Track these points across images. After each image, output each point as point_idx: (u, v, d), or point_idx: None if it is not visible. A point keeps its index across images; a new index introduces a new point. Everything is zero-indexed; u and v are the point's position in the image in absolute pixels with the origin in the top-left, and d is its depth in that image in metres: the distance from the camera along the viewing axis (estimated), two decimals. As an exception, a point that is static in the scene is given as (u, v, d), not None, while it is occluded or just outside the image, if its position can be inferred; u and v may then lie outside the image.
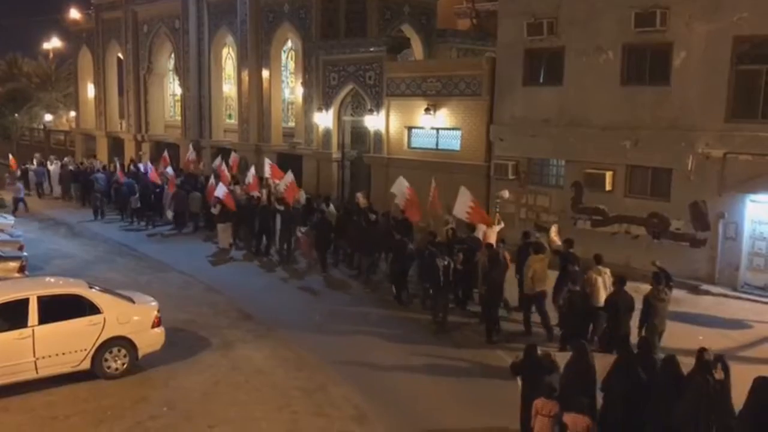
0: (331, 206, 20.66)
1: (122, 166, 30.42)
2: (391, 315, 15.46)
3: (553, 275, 14.36)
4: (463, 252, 15.03)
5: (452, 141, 22.43)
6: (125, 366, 11.72)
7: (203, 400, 11.05)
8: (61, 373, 11.26)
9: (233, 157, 27.93)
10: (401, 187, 18.39)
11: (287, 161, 28.77)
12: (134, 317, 11.92)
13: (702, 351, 8.63)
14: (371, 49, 24.59)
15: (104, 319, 11.53)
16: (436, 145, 22.90)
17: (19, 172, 33.74)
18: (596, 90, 18.45)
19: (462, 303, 15.38)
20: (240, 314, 15.37)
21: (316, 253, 19.07)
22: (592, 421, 8.49)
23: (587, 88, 18.63)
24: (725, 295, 16.10)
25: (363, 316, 15.44)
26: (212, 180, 23.20)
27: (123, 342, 11.67)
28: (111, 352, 11.60)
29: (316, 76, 26.65)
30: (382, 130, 24.20)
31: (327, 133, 26.64)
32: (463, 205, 16.53)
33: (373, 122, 24.30)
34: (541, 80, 19.96)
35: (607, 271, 13.26)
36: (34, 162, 35.17)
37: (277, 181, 22.58)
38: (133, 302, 12.28)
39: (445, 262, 14.32)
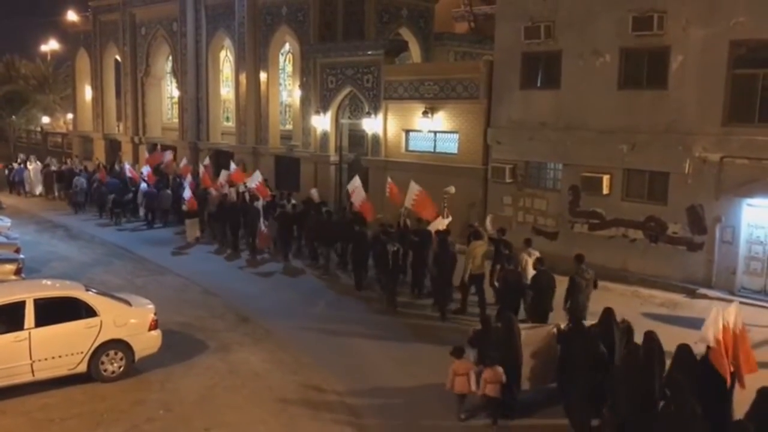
0: (293, 202, 22.35)
1: (104, 166, 32.01)
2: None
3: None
4: (413, 246, 16.64)
5: (450, 144, 22.45)
6: (122, 369, 11.70)
7: (200, 402, 11.03)
8: (57, 376, 11.24)
9: (206, 162, 29.05)
10: (355, 184, 20.55)
11: (285, 164, 28.91)
12: (131, 320, 11.89)
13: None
14: (369, 52, 24.61)
15: (101, 321, 11.50)
16: (434, 148, 22.93)
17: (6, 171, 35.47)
18: (593, 93, 18.48)
19: (417, 289, 16.80)
20: (237, 317, 15.36)
21: (279, 244, 20.66)
22: (505, 373, 10.03)
23: (584, 92, 18.66)
24: (722, 299, 16.05)
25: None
26: (189, 179, 25.26)
27: (120, 345, 11.64)
28: (107, 355, 11.58)
29: (314, 78, 26.67)
30: (380, 133, 24.22)
31: (324, 135, 26.64)
32: (411, 195, 18.23)
33: (371, 125, 24.33)
34: (539, 83, 19.99)
35: (537, 253, 14.76)
36: (20, 163, 36.72)
37: (239, 183, 24.11)
38: (130, 305, 12.24)
39: (395, 248, 16.09)
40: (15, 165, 36.07)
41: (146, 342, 11.97)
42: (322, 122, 26.40)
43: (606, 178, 18.23)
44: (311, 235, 20.01)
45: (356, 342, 13.90)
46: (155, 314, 12.26)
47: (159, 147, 33.94)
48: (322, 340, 13.99)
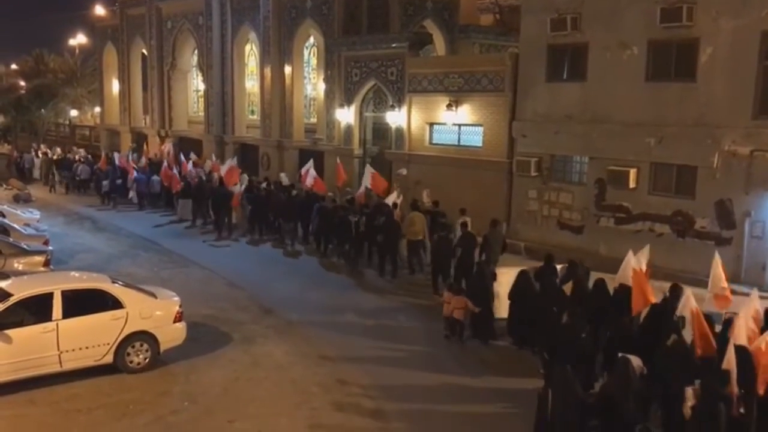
0: (263, 185, 24.72)
1: (107, 155, 33.67)
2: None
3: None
4: (367, 216, 18.85)
5: (474, 137, 22.30)
6: (147, 360, 11.83)
7: (224, 395, 11.13)
8: (84, 367, 11.40)
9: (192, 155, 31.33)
10: (307, 166, 24.07)
11: (309, 157, 28.90)
12: (156, 312, 12.02)
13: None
14: (393, 45, 24.52)
15: (127, 313, 11.64)
16: (458, 141, 22.79)
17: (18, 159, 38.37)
18: (620, 86, 18.22)
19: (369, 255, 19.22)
20: (260, 309, 15.46)
21: (251, 222, 23.12)
22: (469, 300, 13.37)
23: (611, 84, 18.41)
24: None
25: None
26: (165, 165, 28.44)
27: (145, 336, 11.78)
28: (133, 347, 11.72)
29: (338, 72, 26.67)
30: (404, 126, 24.15)
31: (348, 129, 26.65)
32: (367, 177, 21.80)
33: (395, 118, 24.27)
34: (565, 76, 19.74)
35: (466, 219, 17.20)
36: (32, 152, 39.67)
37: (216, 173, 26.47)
38: (156, 297, 12.37)
39: (355, 219, 18.80)
40: (27, 154, 38.89)
41: (171, 334, 12.09)
42: (346, 115, 26.41)
43: (633, 172, 17.97)
44: (276, 213, 22.54)
45: (377, 331, 13.97)
46: (180, 306, 12.38)
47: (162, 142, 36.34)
48: (343, 331, 14.07)
